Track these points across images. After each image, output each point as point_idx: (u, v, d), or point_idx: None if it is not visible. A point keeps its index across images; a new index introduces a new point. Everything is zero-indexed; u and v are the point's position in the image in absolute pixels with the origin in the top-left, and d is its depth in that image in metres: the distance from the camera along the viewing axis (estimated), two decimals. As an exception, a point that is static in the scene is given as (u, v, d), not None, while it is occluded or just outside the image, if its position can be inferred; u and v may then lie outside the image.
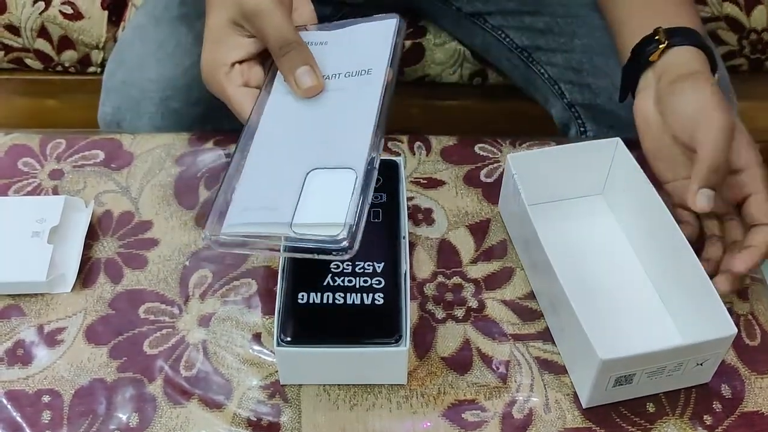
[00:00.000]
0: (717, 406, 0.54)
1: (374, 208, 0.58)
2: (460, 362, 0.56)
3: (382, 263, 0.55)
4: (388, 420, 0.53)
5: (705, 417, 0.53)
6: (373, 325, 0.52)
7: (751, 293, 0.60)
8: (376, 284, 0.53)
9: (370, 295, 0.53)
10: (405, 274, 0.54)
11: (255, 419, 0.53)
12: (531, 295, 0.60)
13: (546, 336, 0.57)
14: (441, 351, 0.57)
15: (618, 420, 0.53)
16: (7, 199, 0.65)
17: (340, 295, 0.53)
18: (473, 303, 0.59)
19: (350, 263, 0.54)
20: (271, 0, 0.56)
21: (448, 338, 0.57)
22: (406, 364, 0.53)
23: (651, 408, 0.54)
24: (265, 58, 0.59)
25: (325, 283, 0.53)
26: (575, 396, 0.54)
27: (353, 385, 0.55)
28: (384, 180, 0.60)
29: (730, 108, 0.57)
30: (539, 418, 0.53)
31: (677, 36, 0.60)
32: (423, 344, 0.57)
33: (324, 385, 0.55)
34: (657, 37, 0.60)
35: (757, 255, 0.56)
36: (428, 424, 0.53)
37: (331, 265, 0.54)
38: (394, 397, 0.54)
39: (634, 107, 0.62)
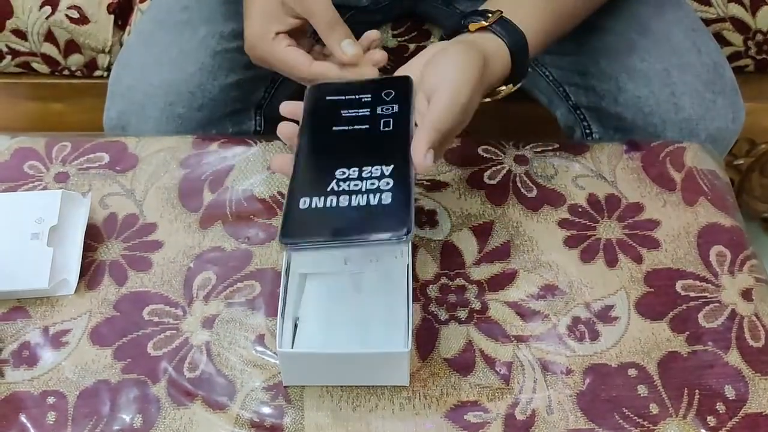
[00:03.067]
0: (720, 407, 0.54)
1: (384, 119, 0.56)
2: (463, 364, 0.56)
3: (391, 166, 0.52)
4: (390, 421, 0.53)
5: (708, 418, 0.53)
6: (379, 220, 0.49)
7: (755, 294, 0.60)
8: (383, 185, 0.51)
9: (377, 195, 0.51)
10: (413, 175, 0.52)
11: (258, 420, 0.53)
12: (534, 297, 0.60)
13: (548, 337, 0.57)
14: (444, 352, 0.57)
15: (621, 421, 0.53)
16: (3, 195, 0.65)
17: (344, 198, 0.51)
18: (476, 305, 0.59)
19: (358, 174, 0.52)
20: None
21: (451, 340, 0.57)
22: (409, 366, 0.54)
23: (654, 409, 0.54)
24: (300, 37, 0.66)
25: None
26: (578, 397, 0.54)
27: (356, 386, 0.55)
28: (396, 94, 0.58)
29: (479, 89, 0.57)
30: (542, 420, 0.53)
31: (503, 27, 0.61)
32: (426, 346, 0.57)
33: (327, 387, 0.55)
34: (489, 15, 0.62)
35: None
36: (431, 425, 0.53)
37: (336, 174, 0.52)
38: (397, 398, 0.54)
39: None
